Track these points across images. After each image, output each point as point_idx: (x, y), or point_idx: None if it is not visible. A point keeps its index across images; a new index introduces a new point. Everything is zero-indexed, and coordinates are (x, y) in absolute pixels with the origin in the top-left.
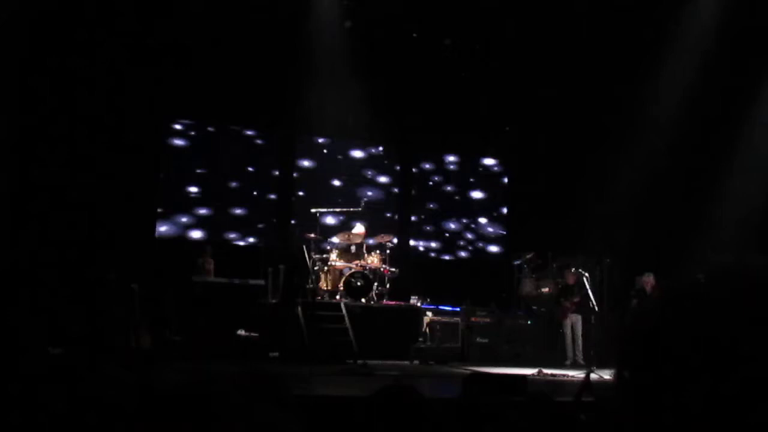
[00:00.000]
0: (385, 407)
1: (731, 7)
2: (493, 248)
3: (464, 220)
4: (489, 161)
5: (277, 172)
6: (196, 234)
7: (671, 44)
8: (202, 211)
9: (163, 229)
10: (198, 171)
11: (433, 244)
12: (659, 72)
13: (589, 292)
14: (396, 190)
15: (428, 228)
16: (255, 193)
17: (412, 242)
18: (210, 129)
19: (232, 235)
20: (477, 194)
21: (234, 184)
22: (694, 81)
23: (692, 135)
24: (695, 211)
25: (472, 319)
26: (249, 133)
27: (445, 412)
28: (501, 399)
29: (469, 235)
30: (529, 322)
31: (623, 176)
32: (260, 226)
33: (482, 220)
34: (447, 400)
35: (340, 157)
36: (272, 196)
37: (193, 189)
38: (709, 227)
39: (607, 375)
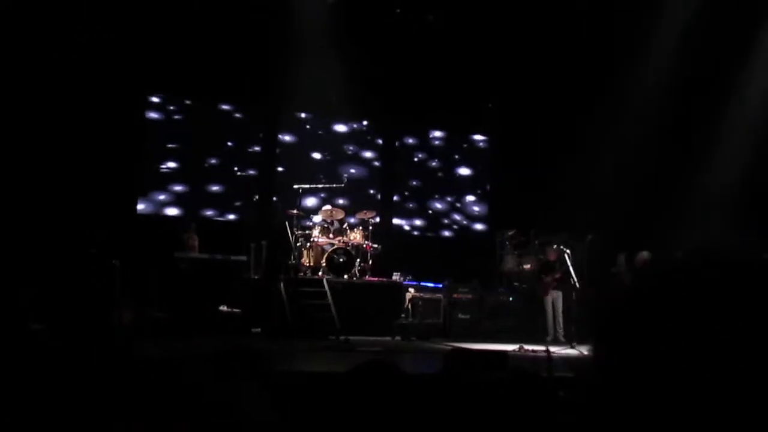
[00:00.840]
0: (364, 383)
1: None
2: (476, 225)
3: (448, 198)
4: (474, 137)
5: (258, 148)
6: (177, 211)
7: (658, 19)
8: (182, 188)
9: (143, 206)
10: (177, 147)
11: (417, 221)
12: (645, 50)
13: (570, 268)
14: (379, 165)
15: (411, 205)
16: (236, 168)
17: (395, 219)
18: (189, 103)
19: (213, 212)
20: (461, 171)
21: (215, 160)
22: (680, 54)
23: (679, 110)
24: (680, 187)
25: (454, 295)
26: (229, 108)
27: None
28: (482, 375)
29: (453, 213)
30: (510, 299)
31: (608, 153)
32: (241, 202)
33: (466, 197)
34: (428, 375)
35: (322, 132)
36: (254, 172)
37: (174, 165)
38: (694, 204)
39: (586, 351)
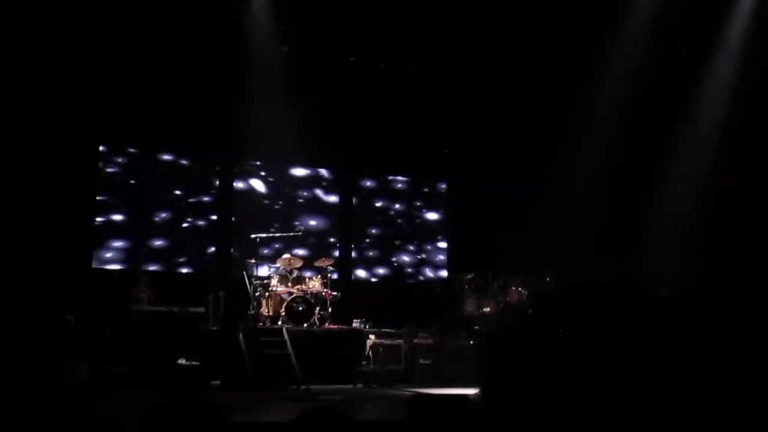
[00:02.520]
0: (312, 430)
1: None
2: (435, 271)
3: (407, 243)
4: (434, 183)
5: (212, 198)
6: (126, 265)
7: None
8: (134, 240)
9: (99, 260)
10: (129, 199)
11: (377, 268)
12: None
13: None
14: (337, 212)
15: (371, 252)
16: (191, 219)
17: (353, 265)
18: (139, 152)
19: (170, 264)
20: (421, 217)
21: (170, 212)
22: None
23: (630, 150)
24: (636, 223)
25: (415, 340)
26: (182, 157)
27: None
28: (443, 419)
29: (412, 259)
30: (471, 342)
31: (564, 196)
32: (199, 252)
33: (426, 243)
34: (391, 422)
35: (276, 180)
36: (208, 223)
37: (127, 218)
38: (651, 239)
39: None
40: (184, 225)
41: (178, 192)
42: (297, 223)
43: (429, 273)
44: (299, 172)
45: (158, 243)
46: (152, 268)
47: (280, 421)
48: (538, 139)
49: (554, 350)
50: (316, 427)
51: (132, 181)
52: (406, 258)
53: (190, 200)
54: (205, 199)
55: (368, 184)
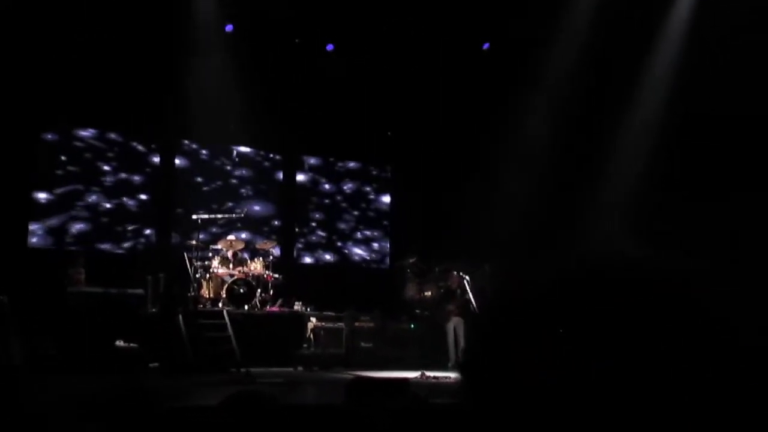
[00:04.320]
0: (232, 414)
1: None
2: (377, 254)
3: (350, 226)
4: (377, 168)
5: (153, 178)
6: (70, 243)
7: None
8: (76, 219)
9: (34, 239)
10: (66, 175)
11: (319, 251)
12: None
13: (470, 295)
14: (280, 195)
15: (313, 237)
16: (129, 199)
17: (296, 248)
18: (85, 134)
19: (108, 244)
20: (365, 201)
21: (107, 191)
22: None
23: (573, 133)
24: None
25: (356, 324)
26: (123, 136)
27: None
28: (383, 403)
29: (354, 242)
30: (411, 326)
31: (506, 180)
32: (138, 233)
33: (369, 227)
34: (331, 406)
35: (219, 162)
36: (147, 202)
37: (64, 196)
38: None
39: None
40: (123, 204)
41: (116, 171)
42: (236, 205)
43: (371, 257)
44: (242, 151)
45: (94, 222)
46: (88, 248)
47: (199, 404)
48: (481, 123)
49: (535, 340)
50: (240, 410)
51: (68, 158)
52: (350, 242)
53: (129, 178)
54: (144, 178)
55: (313, 166)
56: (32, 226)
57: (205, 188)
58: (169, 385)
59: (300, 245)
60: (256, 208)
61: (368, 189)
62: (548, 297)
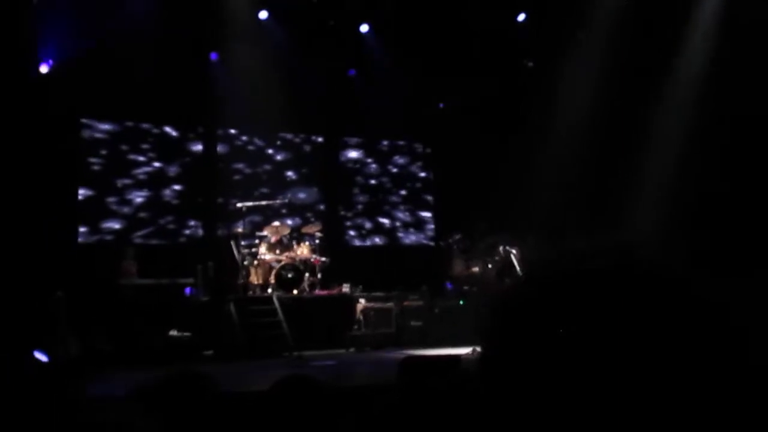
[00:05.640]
0: (281, 399)
1: None
2: (422, 232)
3: (394, 206)
4: (417, 146)
5: (196, 167)
6: (120, 237)
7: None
8: (125, 211)
9: (83, 236)
10: (112, 171)
11: (363, 232)
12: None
13: (518, 269)
14: (323, 177)
15: (358, 218)
16: (174, 190)
17: (341, 230)
18: (127, 125)
19: (156, 236)
20: (407, 180)
21: (152, 183)
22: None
23: (610, 113)
24: (616, 183)
25: (405, 303)
26: (163, 128)
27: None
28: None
29: (399, 222)
30: (461, 302)
31: (543, 154)
32: (184, 223)
33: (412, 205)
34: (383, 385)
35: (256, 148)
36: (194, 192)
37: (111, 191)
38: (629, 200)
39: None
40: (166, 195)
41: (158, 162)
42: (280, 191)
43: (416, 236)
44: (282, 140)
45: (142, 214)
46: (138, 240)
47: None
48: (521, 98)
49: (556, 318)
50: (291, 394)
51: (113, 154)
52: (394, 222)
53: (171, 169)
54: (185, 168)
55: (353, 148)
56: (80, 224)
57: (246, 175)
58: (223, 371)
59: (345, 226)
60: (301, 195)
61: (411, 168)
62: (568, 286)
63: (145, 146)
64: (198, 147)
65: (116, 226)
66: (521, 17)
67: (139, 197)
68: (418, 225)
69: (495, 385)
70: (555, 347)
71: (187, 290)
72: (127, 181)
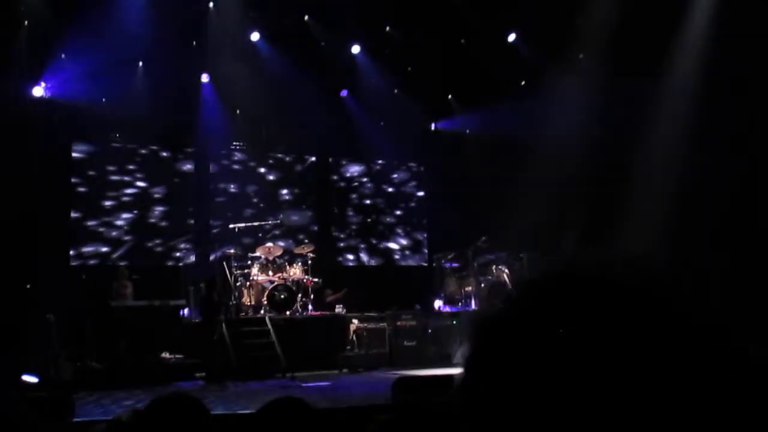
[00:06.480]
0: (270, 422)
1: None
2: (416, 252)
3: (386, 226)
4: (411, 166)
5: (187, 188)
6: (113, 258)
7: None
8: (116, 234)
9: (76, 257)
10: (104, 193)
11: (358, 253)
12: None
13: (510, 288)
14: (315, 199)
15: (351, 236)
16: (162, 210)
17: (334, 251)
18: (115, 146)
19: (147, 257)
20: (398, 200)
21: (145, 204)
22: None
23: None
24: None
25: (398, 323)
26: (154, 148)
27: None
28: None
29: (391, 242)
30: (454, 322)
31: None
32: (176, 244)
33: (403, 225)
34: (378, 405)
35: (246, 168)
36: (183, 213)
37: (102, 213)
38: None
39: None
40: (159, 215)
41: (150, 183)
42: (272, 212)
43: (410, 255)
44: (274, 160)
45: (132, 237)
46: (129, 262)
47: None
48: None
49: (541, 336)
50: (279, 417)
51: (104, 176)
52: (387, 240)
53: (163, 190)
54: (177, 189)
55: (346, 168)
56: (72, 247)
57: (238, 195)
58: (214, 393)
59: (338, 247)
60: (294, 217)
61: (404, 187)
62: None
63: (134, 166)
64: (189, 166)
65: (104, 249)
66: (512, 37)
67: (123, 219)
68: (412, 244)
69: (476, 415)
70: (538, 367)
71: (182, 311)
72: (113, 203)
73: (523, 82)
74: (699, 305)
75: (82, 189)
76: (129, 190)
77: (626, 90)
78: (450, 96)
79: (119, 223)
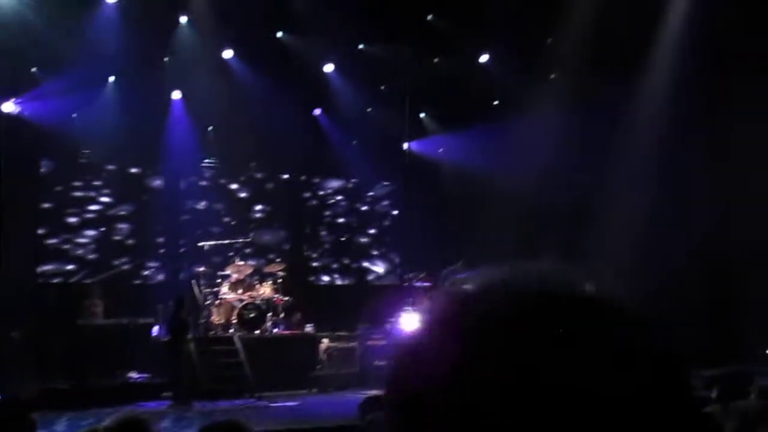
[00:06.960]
0: None
1: None
2: (385, 271)
3: (357, 245)
4: (383, 185)
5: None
6: (80, 275)
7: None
8: (83, 251)
9: (44, 275)
10: (72, 209)
11: (329, 272)
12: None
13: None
14: (287, 217)
15: (323, 255)
16: (131, 227)
17: (305, 269)
18: (84, 162)
19: (118, 274)
20: (371, 219)
21: (110, 221)
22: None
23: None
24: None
25: (369, 342)
26: (132, 169)
27: None
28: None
29: (362, 261)
30: None
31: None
32: (144, 263)
33: (375, 245)
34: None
35: (217, 186)
36: (153, 231)
37: (69, 227)
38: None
39: None
40: (126, 233)
41: (115, 200)
42: (249, 228)
43: (378, 273)
44: (245, 177)
45: (100, 254)
46: (96, 280)
47: None
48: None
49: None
50: None
51: (73, 193)
52: (355, 260)
53: (131, 208)
54: (147, 207)
55: (318, 187)
56: (42, 263)
57: (207, 212)
58: (176, 413)
59: (310, 265)
60: (266, 237)
61: (377, 206)
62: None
63: (99, 183)
64: (158, 182)
65: (70, 266)
66: (484, 58)
67: (90, 236)
68: (384, 263)
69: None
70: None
71: (153, 330)
72: (77, 219)
73: (495, 102)
74: (649, 329)
75: (47, 205)
76: (95, 207)
77: (597, 113)
78: (423, 115)
79: (83, 240)
